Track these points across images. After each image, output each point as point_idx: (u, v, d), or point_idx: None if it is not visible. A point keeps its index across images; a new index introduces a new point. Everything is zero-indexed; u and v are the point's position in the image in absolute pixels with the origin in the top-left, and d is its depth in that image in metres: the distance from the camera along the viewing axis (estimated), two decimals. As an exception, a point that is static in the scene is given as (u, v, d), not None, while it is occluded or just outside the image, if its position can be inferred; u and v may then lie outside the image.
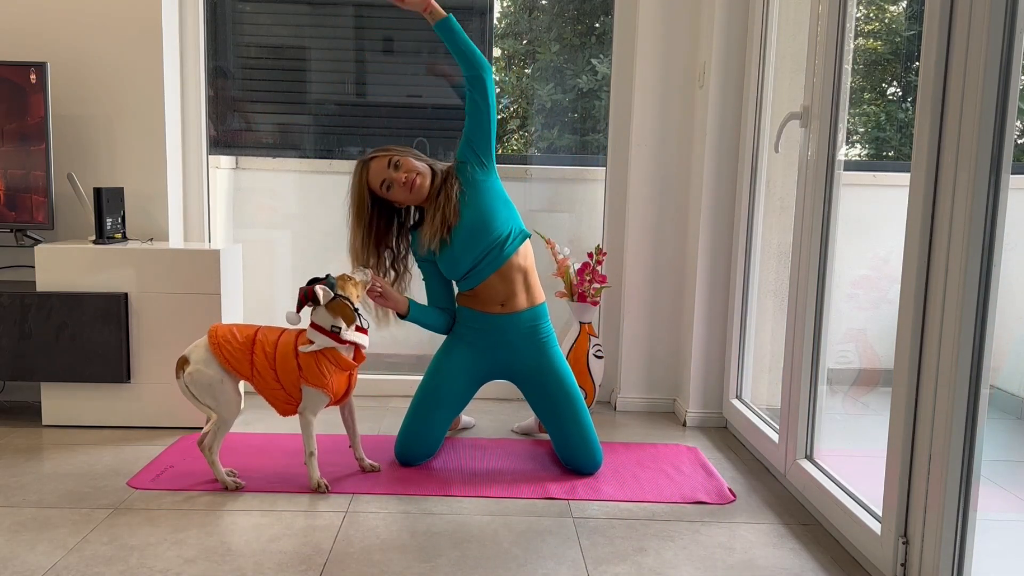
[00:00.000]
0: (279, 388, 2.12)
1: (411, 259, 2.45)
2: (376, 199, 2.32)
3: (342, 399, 2.21)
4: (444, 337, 2.46)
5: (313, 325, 2.13)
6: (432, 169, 2.34)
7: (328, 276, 2.15)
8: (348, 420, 2.29)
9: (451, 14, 2.27)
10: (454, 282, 2.42)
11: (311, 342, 2.09)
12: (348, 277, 2.18)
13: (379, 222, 2.35)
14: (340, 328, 2.10)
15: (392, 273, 2.40)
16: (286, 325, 2.17)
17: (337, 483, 2.20)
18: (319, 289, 2.09)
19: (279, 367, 2.10)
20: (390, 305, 2.31)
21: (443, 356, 2.42)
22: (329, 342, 2.09)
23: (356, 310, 2.14)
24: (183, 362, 2.10)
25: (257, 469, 2.28)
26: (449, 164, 2.37)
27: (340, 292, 2.13)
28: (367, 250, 2.34)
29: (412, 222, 2.44)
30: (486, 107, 2.30)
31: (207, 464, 2.23)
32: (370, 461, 2.31)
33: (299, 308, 2.12)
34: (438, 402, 2.37)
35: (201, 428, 2.64)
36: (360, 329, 2.15)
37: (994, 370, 1.48)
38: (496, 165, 2.37)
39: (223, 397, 2.09)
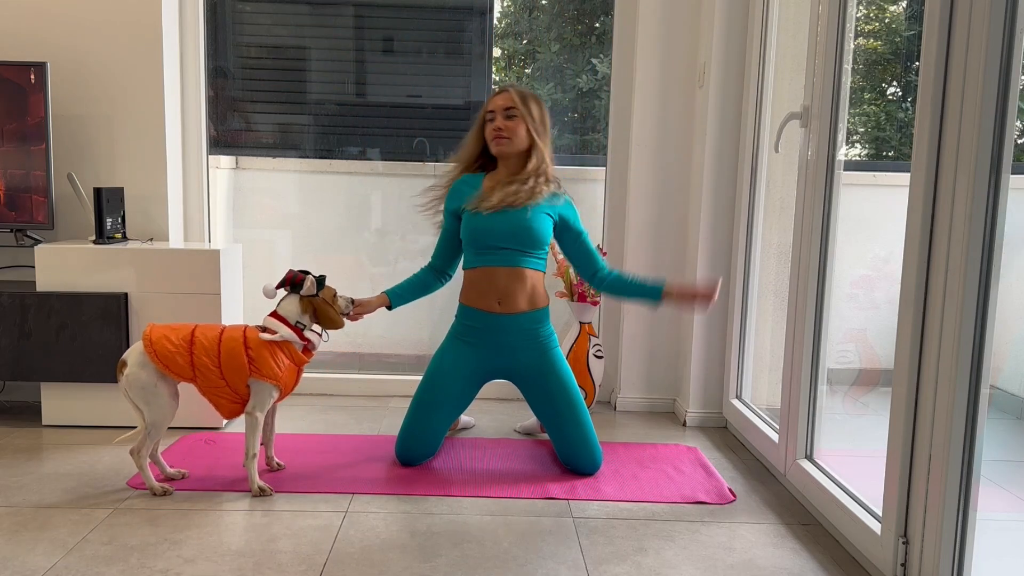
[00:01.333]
0: (223, 386, 2.08)
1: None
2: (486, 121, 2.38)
3: (287, 393, 2.19)
4: (445, 335, 2.46)
5: (276, 316, 2.14)
6: (536, 151, 2.34)
7: (323, 276, 2.17)
8: (269, 420, 2.27)
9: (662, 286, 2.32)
10: (467, 250, 2.41)
11: (272, 331, 2.10)
12: (335, 294, 2.20)
13: (482, 143, 2.41)
14: (304, 325, 2.14)
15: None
16: (226, 322, 2.18)
17: (337, 483, 2.20)
18: (309, 278, 2.13)
19: (225, 363, 2.06)
20: (374, 310, 2.35)
21: (443, 356, 2.41)
22: (291, 335, 2.11)
23: (310, 323, 2.17)
24: (122, 365, 2.07)
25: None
26: (557, 178, 2.42)
27: (323, 298, 2.16)
28: (464, 158, 2.42)
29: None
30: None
31: (207, 464, 2.24)
32: (277, 460, 2.31)
33: (279, 286, 2.15)
34: (438, 402, 2.37)
35: (205, 428, 2.65)
36: (307, 348, 2.17)
37: (994, 370, 1.48)
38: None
39: (156, 402, 2.06)
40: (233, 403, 2.11)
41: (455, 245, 2.44)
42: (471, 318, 2.38)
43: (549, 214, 2.36)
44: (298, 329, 2.13)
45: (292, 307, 2.14)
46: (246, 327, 2.14)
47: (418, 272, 2.49)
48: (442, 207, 2.45)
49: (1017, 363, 2.36)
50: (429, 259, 2.51)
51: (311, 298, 2.14)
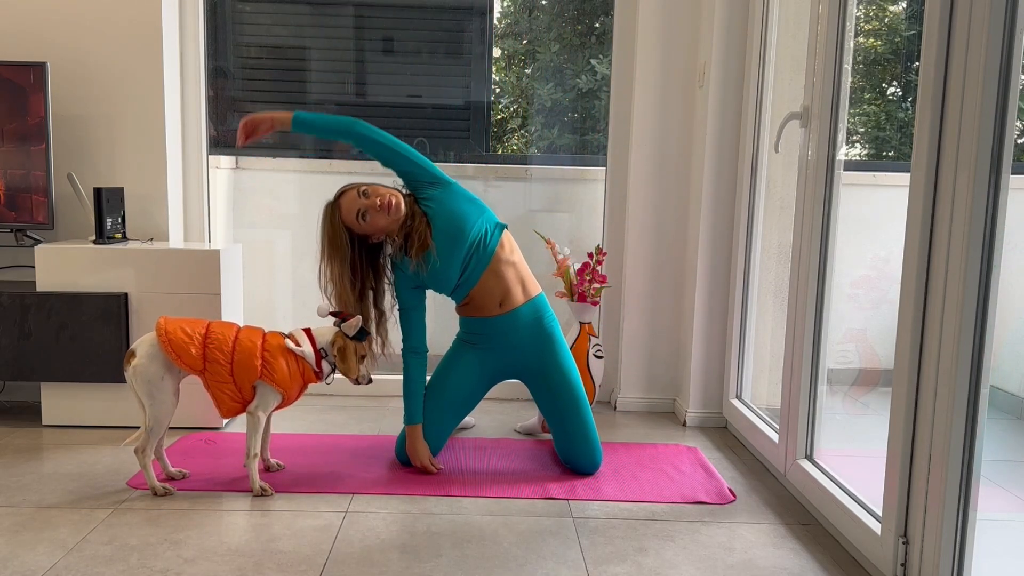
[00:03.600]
0: (230, 383, 2.09)
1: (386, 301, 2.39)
2: (352, 238, 2.26)
3: (288, 404, 2.20)
4: (443, 335, 2.46)
5: (308, 332, 2.18)
6: (401, 192, 2.31)
7: (368, 333, 2.21)
8: (266, 425, 2.26)
9: (296, 112, 2.28)
10: (449, 297, 2.38)
11: (297, 343, 2.14)
12: (365, 356, 2.21)
13: (361, 262, 2.29)
14: (326, 353, 2.18)
15: (375, 312, 2.35)
16: (241, 322, 2.22)
17: (337, 483, 2.20)
18: (357, 319, 2.17)
19: (237, 362, 2.08)
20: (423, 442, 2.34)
21: (451, 359, 2.41)
22: (310, 355, 2.15)
23: (333, 367, 2.21)
24: (130, 355, 2.08)
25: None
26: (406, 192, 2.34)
27: (355, 346, 2.19)
28: (355, 291, 2.28)
29: (388, 254, 2.36)
30: (387, 151, 2.31)
31: (207, 464, 2.23)
32: (275, 461, 2.31)
33: (335, 313, 2.20)
34: (444, 405, 2.37)
35: (202, 427, 2.65)
36: (318, 374, 2.18)
37: (992, 369, 1.48)
38: (444, 173, 2.34)
39: (159, 396, 2.07)
40: (234, 401, 2.12)
41: (424, 317, 2.38)
42: (476, 327, 2.38)
43: (432, 195, 2.30)
44: (319, 354, 2.17)
45: (326, 334, 2.19)
46: (266, 331, 2.17)
47: (415, 376, 2.35)
48: (397, 298, 2.38)
49: (1015, 362, 2.36)
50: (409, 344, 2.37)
51: (345, 337, 2.17)
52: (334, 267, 2.26)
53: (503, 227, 2.36)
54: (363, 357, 2.21)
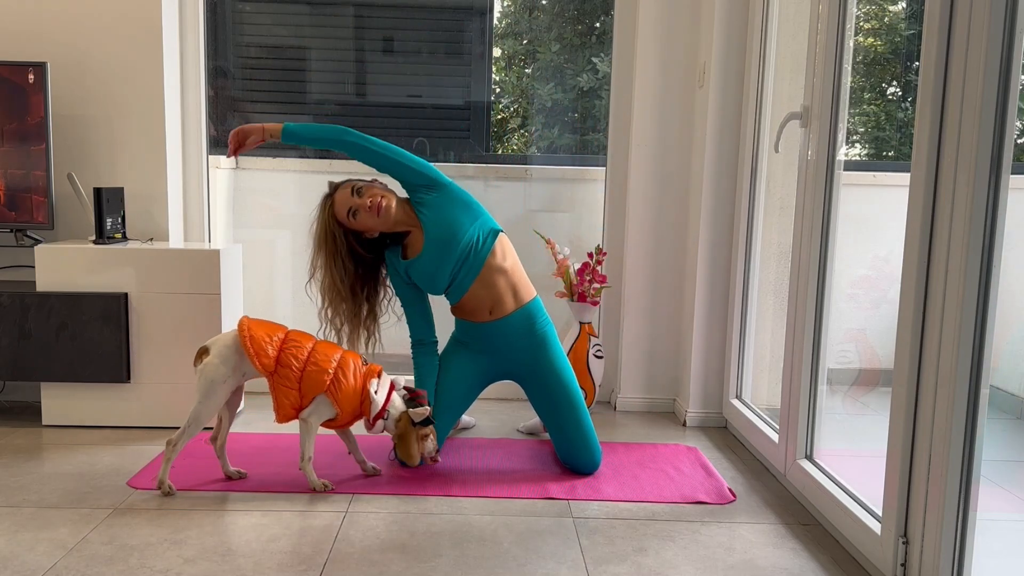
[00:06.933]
0: (295, 390, 2.10)
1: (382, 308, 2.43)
2: (347, 236, 2.29)
3: (340, 425, 2.20)
4: (445, 335, 2.46)
5: (392, 388, 2.19)
6: (396, 195, 2.33)
7: (430, 420, 2.20)
8: (347, 431, 2.28)
9: (285, 123, 2.30)
10: (444, 296, 2.39)
11: (378, 384, 2.17)
12: (428, 436, 2.20)
13: (354, 257, 2.32)
14: (387, 417, 2.17)
15: (367, 307, 2.38)
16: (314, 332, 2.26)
17: (337, 483, 2.20)
18: (425, 409, 2.17)
19: (307, 373, 2.09)
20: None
21: (446, 360, 2.42)
22: (377, 405, 2.14)
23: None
24: (203, 352, 2.11)
25: (257, 469, 2.28)
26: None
27: (417, 430, 2.18)
28: (345, 285, 2.31)
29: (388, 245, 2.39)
30: (378, 157, 2.29)
31: (207, 463, 2.23)
32: (372, 464, 2.30)
33: (408, 389, 2.22)
34: (441, 405, 2.37)
35: (205, 428, 2.65)
36: (374, 417, 2.18)
37: (992, 370, 1.48)
38: (442, 174, 2.33)
39: (213, 397, 2.08)
40: (292, 409, 2.13)
41: (425, 309, 2.41)
42: (467, 329, 2.40)
43: (426, 199, 2.29)
44: (382, 413, 2.16)
45: (399, 406, 2.19)
46: (349, 352, 2.20)
47: (425, 364, 2.40)
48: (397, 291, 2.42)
49: (1015, 362, 2.36)
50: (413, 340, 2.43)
51: (410, 422, 2.17)
52: (324, 258, 2.30)
53: (498, 232, 2.34)
54: (425, 436, 2.20)
